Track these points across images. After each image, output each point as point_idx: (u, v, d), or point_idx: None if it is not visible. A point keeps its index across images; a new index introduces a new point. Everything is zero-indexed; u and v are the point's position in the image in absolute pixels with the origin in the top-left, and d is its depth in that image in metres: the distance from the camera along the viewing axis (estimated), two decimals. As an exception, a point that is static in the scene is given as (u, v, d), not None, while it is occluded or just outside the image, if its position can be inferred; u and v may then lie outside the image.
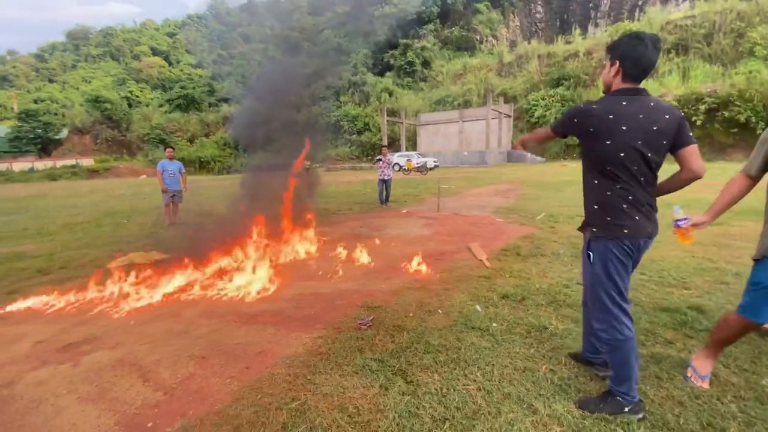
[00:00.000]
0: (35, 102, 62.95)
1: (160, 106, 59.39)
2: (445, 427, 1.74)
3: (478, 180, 16.60)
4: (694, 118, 25.61)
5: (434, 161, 28.39)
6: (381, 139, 37.24)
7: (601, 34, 42.88)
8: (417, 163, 25.55)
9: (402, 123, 37.21)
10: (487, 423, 1.75)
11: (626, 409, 1.76)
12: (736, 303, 1.93)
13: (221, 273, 4.12)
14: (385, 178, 9.86)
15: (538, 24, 67.07)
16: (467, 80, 44.20)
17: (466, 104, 40.37)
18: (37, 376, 2.35)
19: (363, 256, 4.71)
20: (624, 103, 1.68)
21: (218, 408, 1.92)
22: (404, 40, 51.14)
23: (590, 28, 57.46)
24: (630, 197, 1.71)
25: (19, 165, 40.89)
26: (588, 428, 1.70)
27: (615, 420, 1.73)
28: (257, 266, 4.10)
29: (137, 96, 66.87)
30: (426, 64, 50.56)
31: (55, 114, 52.89)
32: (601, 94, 1.86)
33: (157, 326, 2.96)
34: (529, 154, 33.82)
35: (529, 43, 47.42)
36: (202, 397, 2.04)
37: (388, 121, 35.99)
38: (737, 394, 1.91)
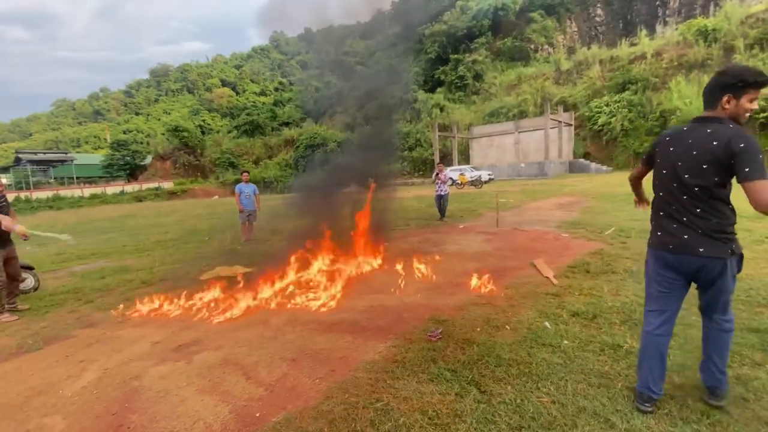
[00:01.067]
0: (124, 133, 72.26)
1: (229, 132, 65.04)
2: (522, 435, 1.84)
3: (538, 192, 16.04)
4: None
5: (489, 174, 27.87)
6: (432, 154, 37.39)
7: (671, 33, 39.66)
8: (471, 177, 25.28)
9: (454, 137, 37.12)
10: (563, 433, 1.82)
11: (637, 399, 1.99)
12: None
13: (298, 285, 4.51)
14: (442, 193, 10.01)
15: (598, 28, 63.79)
16: (522, 90, 43.08)
17: (522, 115, 39.28)
18: (160, 371, 2.81)
19: (425, 272, 4.87)
20: (685, 128, 1.87)
21: (313, 404, 2.19)
22: (455, 56, 51.41)
23: (658, 28, 53.46)
24: (668, 212, 1.90)
25: (111, 188, 46.80)
26: (672, 445, 1.70)
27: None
28: (330, 280, 4.44)
29: (209, 124, 74.02)
30: (478, 77, 50.22)
31: (141, 143, 60.35)
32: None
33: (250, 332, 3.37)
34: (593, 164, 31.93)
35: (588, 48, 45.23)
36: (297, 394, 2.33)
37: (439, 135, 36.13)
38: None
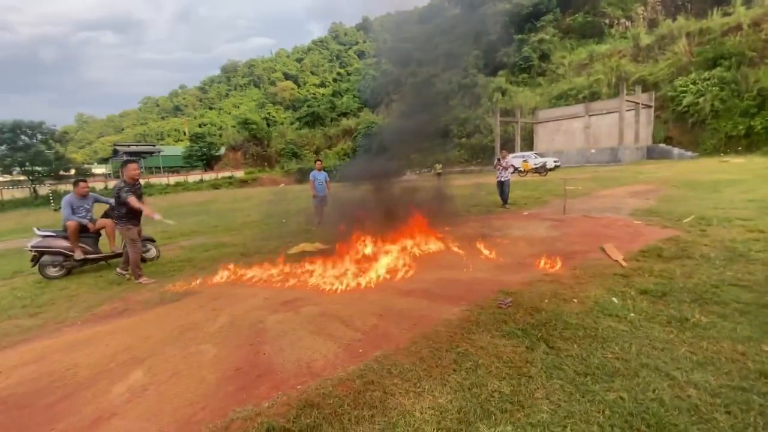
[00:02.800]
0: (200, 126, 79.05)
1: (292, 123, 68.44)
2: (586, 380, 2.15)
3: (610, 180, 15.17)
4: None
5: (555, 161, 26.61)
6: (492, 141, 36.32)
7: (778, -3, 34.02)
8: (534, 164, 24.37)
9: (516, 122, 35.69)
10: (625, 381, 2.10)
11: None
12: None
13: (373, 259, 5.06)
14: (502, 179, 10.06)
15: (687, -6, 56.45)
16: (594, 70, 39.89)
17: (594, 96, 36.50)
18: (276, 318, 3.49)
19: (490, 253, 5.16)
20: None
21: (403, 346, 2.68)
22: (519, 35, 48.87)
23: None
24: None
25: (192, 177, 51.84)
26: (725, 394, 1.92)
27: (752, 389, 1.90)
28: (402, 255, 4.93)
29: (274, 116, 78.38)
30: (544, 57, 47.34)
31: (215, 135, 65.78)
32: None
33: (340, 294, 3.97)
34: (676, 149, 29.01)
35: (673, 20, 40.40)
36: (389, 338, 2.84)
37: (501, 121, 34.97)
38: None
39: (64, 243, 5.91)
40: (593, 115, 32.31)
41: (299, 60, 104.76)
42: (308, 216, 10.16)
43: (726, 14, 35.55)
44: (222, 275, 5.11)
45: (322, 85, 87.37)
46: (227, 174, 52.47)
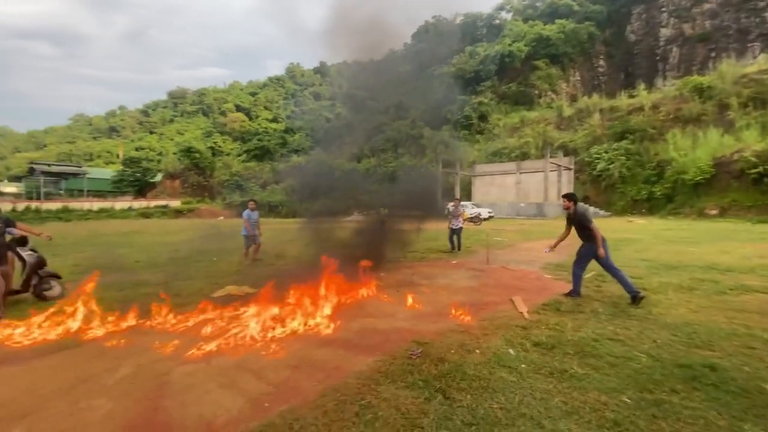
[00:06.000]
0: (137, 150, 74.45)
1: (239, 155, 67.02)
2: (471, 429, 2.38)
3: (533, 233, 16.68)
4: (780, 175, 23.55)
5: (489, 212, 28.65)
6: (435, 190, 38.34)
7: (669, 88, 41.68)
8: (471, 213, 26.04)
9: (457, 174, 38.28)
10: (502, 430, 2.36)
11: None
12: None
13: (299, 307, 5.07)
14: (454, 227, 10.82)
15: (600, 77, 66.78)
16: (525, 133, 44.79)
17: (524, 156, 40.64)
18: (186, 369, 3.37)
19: (413, 302, 5.43)
20: None
21: (311, 399, 2.75)
22: (461, 96, 53.74)
23: (659, 81, 56.00)
24: None
25: (120, 204, 47.82)
26: (580, 440, 2.25)
27: None
28: (328, 305, 5.01)
29: (220, 146, 76.31)
30: (483, 117, 52.30)
31: (152, 161, 62.17)
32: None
33: (259, 343, 3.93)
34: (592, 208, 32.74)
35: (589, 97, 47.34)
36: (298, 392, 2.89)
37: (443, 171, 37.30)
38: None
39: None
40: (523, 172, 35.79)
41: (253, 94, 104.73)
42: (241, 255, 9.89)
43: (632, 96, 42.45)
44: (133, 319, 4.78)
45: (275, 120, 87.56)
46: (162, 203, 49.20)
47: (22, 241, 6.01)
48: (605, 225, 21.50)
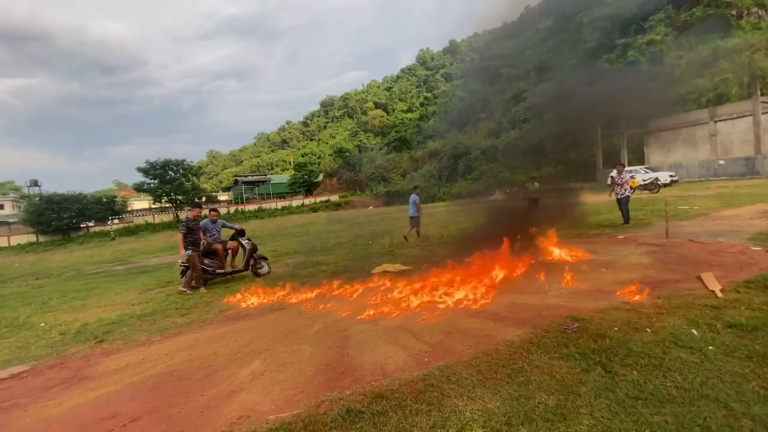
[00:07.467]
0: (303, 156, 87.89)
1: (381, 149, 72.07)
2: (636, 403, 2.25)
3: (738, 197, 12.97)
4: None
5: (670, 175, 23.51)
6: (593, 155, 33.34)
7: None
8: (643, 180, 21.85)
9: (622, 133, 32.32)
10: (676, 408, 2.16)
11: None
12: None
13: (454, 283, 5.40)
14: (620, 196, 9.73)
15: None
16: (720, 69, 34.36)
17: (719, 100, 31.36)
18: (359, 328, 4.12)
19: (569, 280, 5.09)
20: None
21: (464, 359, 3.04)
22: (622, 40, 44.79)
23: None
24: None
25: (295, 202, 57.92)
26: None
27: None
28: (478, 281, 5.20)
29: (365, 143, 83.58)
30: (655, 59, 42.36)
31: (315, 164, 72.64)
32: None
33: (414, 311, 4.46)
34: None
35: (834, -3, 32.94)
36: (452, 352, 3.21)
37: (603, 133, 32.09)
38: None
39: (205, 261, 7.50)
40: (720, 120, 27.81)
41: (388, 89, 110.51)
42: (392, 238, 10.93)
43: None
44: (318, 290, 5.99)
45: (410, 110, 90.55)
46: (324, 198, 57.38)
47: (241, 233, 8.11)
48: None
